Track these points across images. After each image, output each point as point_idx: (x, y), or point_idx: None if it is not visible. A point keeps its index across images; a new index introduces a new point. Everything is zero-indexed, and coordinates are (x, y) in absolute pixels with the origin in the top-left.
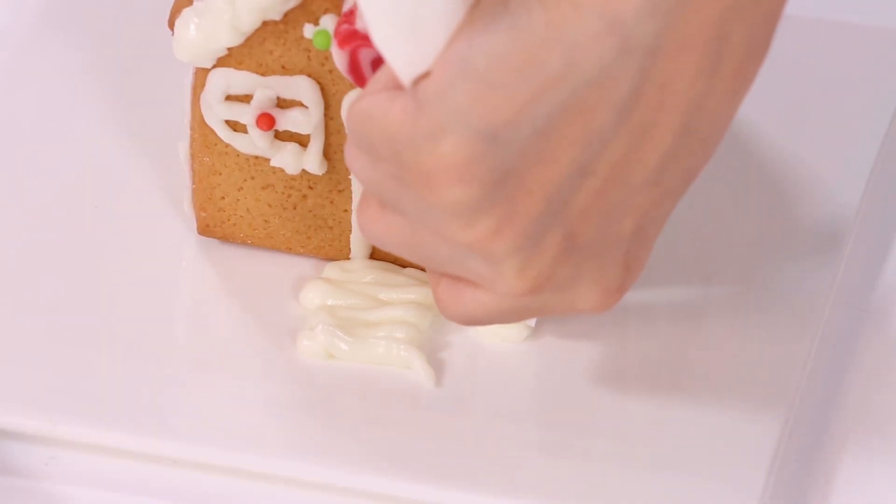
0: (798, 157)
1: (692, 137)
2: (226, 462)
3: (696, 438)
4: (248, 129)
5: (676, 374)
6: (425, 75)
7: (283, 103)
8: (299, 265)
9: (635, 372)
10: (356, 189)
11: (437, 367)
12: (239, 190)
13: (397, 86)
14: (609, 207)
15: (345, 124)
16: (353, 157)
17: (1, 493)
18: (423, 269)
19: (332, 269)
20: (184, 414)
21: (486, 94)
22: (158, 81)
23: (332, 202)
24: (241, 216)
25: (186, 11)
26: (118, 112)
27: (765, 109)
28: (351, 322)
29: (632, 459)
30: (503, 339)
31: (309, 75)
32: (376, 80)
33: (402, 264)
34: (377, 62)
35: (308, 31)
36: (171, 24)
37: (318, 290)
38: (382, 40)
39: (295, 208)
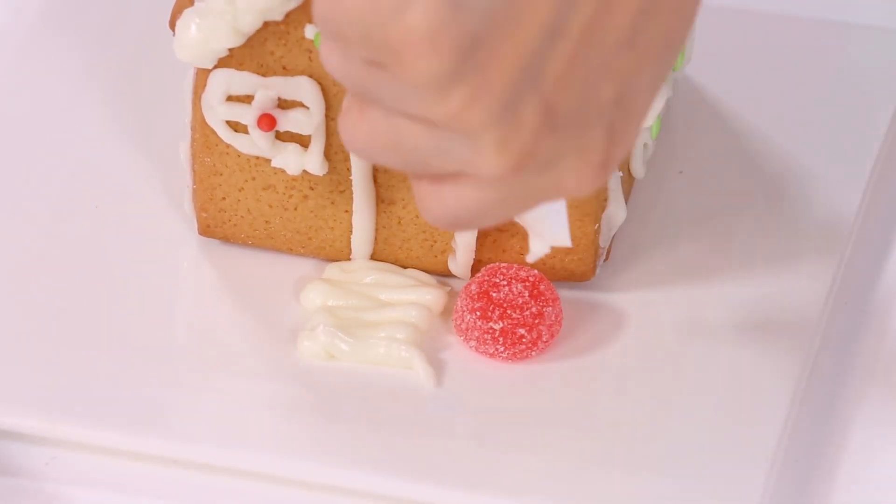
0: (798, 157)
1: None
2: (226, 462)
3: (696, 438)
4: (249, 129)
5: (676, 374)
6: None
7: (284, 104)
8: (300, 266)
9: (635, 372)
10: (357, 190)
11: (438, 367)
12: (240, 190)
13: None
14: (586, 73)
15: (313, 17)
16: (327, 52)
17: (1, 493)
18: (424, 270)
19: (332, 270)
20: (184, 414)
21: None
22: (159, 82)
23: (332, 203)
24: (242, 217)
25: (187, 12)
26: (119, 112)
27: (765, 109)
28: (351, 322)
29: (632, 459)
30: None
31: (310, 76)
32: None
33: (403, 265)
34: None
35: (309, 31)
36: (172, 25)
37: (318, 290)
38: None
39: (296, 209)
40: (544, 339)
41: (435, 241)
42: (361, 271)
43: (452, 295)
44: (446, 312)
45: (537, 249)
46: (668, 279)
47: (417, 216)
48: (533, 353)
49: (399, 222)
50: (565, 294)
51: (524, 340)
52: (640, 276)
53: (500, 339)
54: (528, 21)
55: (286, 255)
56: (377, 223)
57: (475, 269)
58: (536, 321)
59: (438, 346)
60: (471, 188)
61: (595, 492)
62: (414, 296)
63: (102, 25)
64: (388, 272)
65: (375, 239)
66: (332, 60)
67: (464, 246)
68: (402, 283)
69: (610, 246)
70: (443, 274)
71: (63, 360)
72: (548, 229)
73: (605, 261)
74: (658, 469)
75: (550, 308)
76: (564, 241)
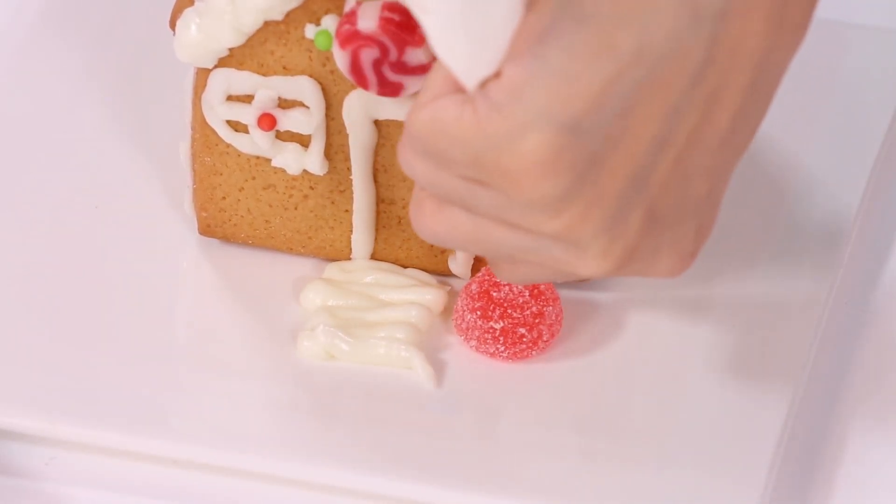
0: (798, 156)
1: (759, 93)
2: (226, 462)
3: (696, 437)
4: (250, 129)
5: (677, 373)
6: (494, 76)
7: (284, 104)
8: (300, 266)
9: (635, 371)
10: (358, 190)
11: (438, 367)
12: (240, 190)
13: (456, 89)
14: (686, 175)
15: (406, 132)
16: (412, 162)
17: (1, 493)
18: (424, 270)
19: (332, 270)
20: (184, 414)
21: (565, 86)
22: (159, 82)
23: (333, 202)
24: (242, 216)
25: (188, 12)
26: (119, 112)
27: None
28: (351, 323)
29: (632, 459)
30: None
31: (310, 76)
32: (430, 87)
33: (404, 264)
34: (378, 63)
35: (310, 31)
36: (173, 25)
37: (318, 290)
38: (444, 48)
39: (296, 209)
40: (545, 339)
41: None
42: (361, 271)
43: (452, 295)
44: (446, 312)
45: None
46: (668, 279)
47: None
48: (533, 352)
49: (399, 222)
50: (565, 294)
51: (524, 340)
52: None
53: (501, 338)
54: (639, 135)
55: (286, 255)
56: (377, 223)
57: (475, 268)
58: (537, 321)
59: (438, 346)
60: (551, 272)
61: (595, 491)
62: (414, 296)
63: (102, 25)
64: (388, 272)
65: (376, 238)
66: (417, 170)
67: None
68: (402, 283)
69: None
70: (443, 274)
71: (63, 360)
72: None
73: None
74: (658, 469)
75: (551, 308)
76: None
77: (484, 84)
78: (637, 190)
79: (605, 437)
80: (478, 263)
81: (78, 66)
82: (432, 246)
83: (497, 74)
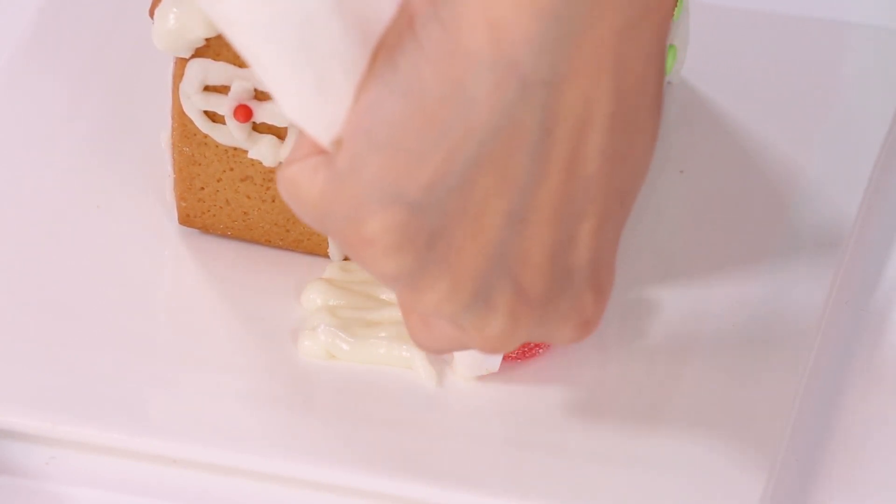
0: (798, 157)
1: (617, 156)
2: (226, 462)
3: (696, 439)
4: (226, 120)
5: (677, 374)
6: (339, 143)
7: (260, 95)
8: (300, 265)
9: (635, 372)
10: None
11: (439, 367)
12: (218, 181)
13: (319, 150)
14: (555, 248)
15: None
16: None
17: (1, 492)
18: None
19: (333, 269)
20: (184, 414)
21: (395, 161)
22: (160, 81)
23: None
24: (221, 207)
25: (166, 1)
26: (119, 111)
27: (765, 110)
28: (352, 322)
29: (632, 459)
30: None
31: None
32: (300, 144)
33: None
34: None
35: None
36: (152, 13)
37: (319, 290)
38: (291, 107)
39: (273, 201)
40: None
41: None
42: (362, 271)
43: None
44: None
45: (465, 372)
46: (668, 279)
47: None
48: (540, 350)
49: None
50: None
51: None
52: (639, 276)
53: None
54: (486, 211)
55: (286, 254)
56: None
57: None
58: None
59: None
60: (462, 336)
61: (595, 492)
62: None
63: (103, 24)
64: None
65: None
66: None
67: None
68: None
69: None
70: None
71: (64, 359)
72: (479, 357)
73: None
74: (659, 469)
75: None
76: (493, 367)
77: (335, 147)
78: (497, 267)
79: (606, 439)
80: None
81: (78, 64)
82: None
83: (340, 141)
